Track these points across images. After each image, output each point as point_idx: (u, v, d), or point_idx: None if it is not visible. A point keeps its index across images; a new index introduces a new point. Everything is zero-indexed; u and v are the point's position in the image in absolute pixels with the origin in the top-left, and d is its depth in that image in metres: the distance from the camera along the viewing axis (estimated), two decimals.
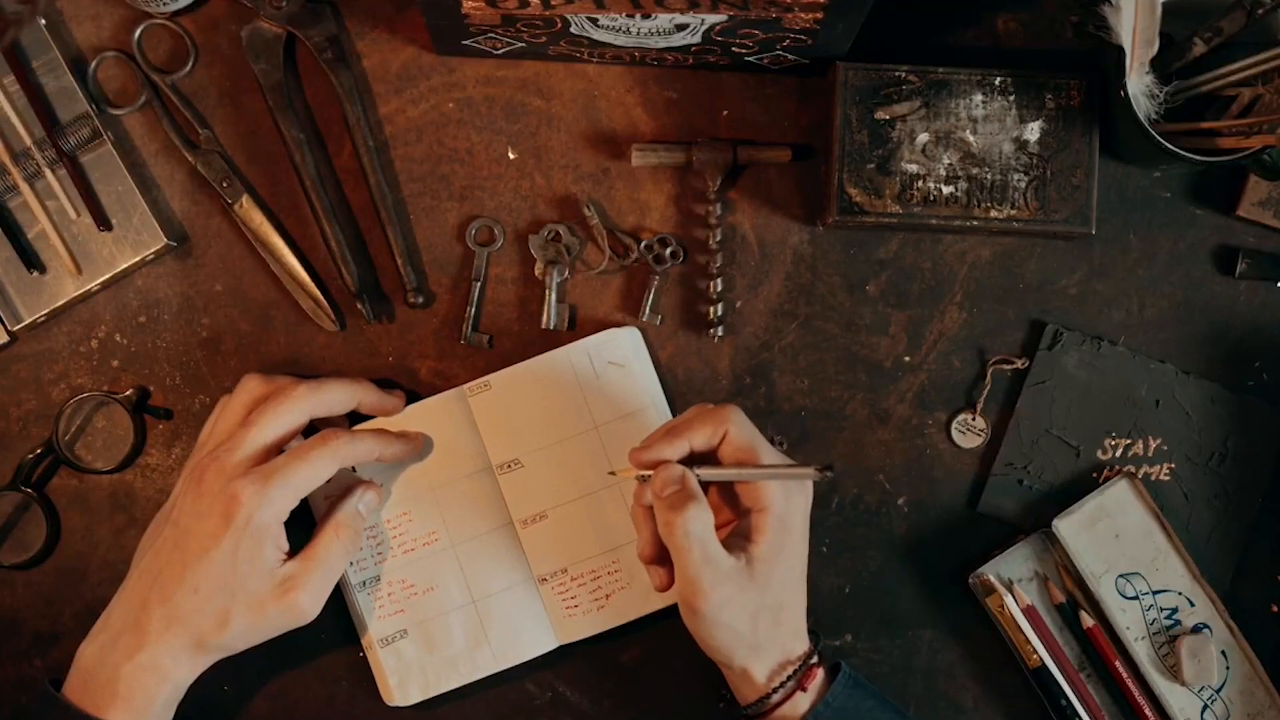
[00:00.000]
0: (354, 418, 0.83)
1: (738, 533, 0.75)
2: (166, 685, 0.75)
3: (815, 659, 0.76)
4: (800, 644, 0.76)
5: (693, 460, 0.75)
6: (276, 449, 0.77)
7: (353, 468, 0.82)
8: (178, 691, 0.76)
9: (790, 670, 0.75)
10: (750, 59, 0.82)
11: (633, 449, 0.75)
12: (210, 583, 0.74)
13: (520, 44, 0.81)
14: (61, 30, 0.84)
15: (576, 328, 0.85)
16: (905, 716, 0.78)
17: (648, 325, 0.85)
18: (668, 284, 0.85)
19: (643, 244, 0.84)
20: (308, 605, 0.76)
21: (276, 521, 0.75)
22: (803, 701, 0.75)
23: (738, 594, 0.72)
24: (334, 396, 0.79)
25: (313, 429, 0.80)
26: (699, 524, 0.72)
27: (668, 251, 0.84)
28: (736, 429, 0.74)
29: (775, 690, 0.75)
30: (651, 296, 0.84)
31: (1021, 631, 0.82)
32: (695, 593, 0.72)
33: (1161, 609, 0.83)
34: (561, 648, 0.83)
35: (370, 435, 0.80)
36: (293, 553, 0.77)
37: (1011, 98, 0.81)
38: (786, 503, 0.74)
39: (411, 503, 0.83)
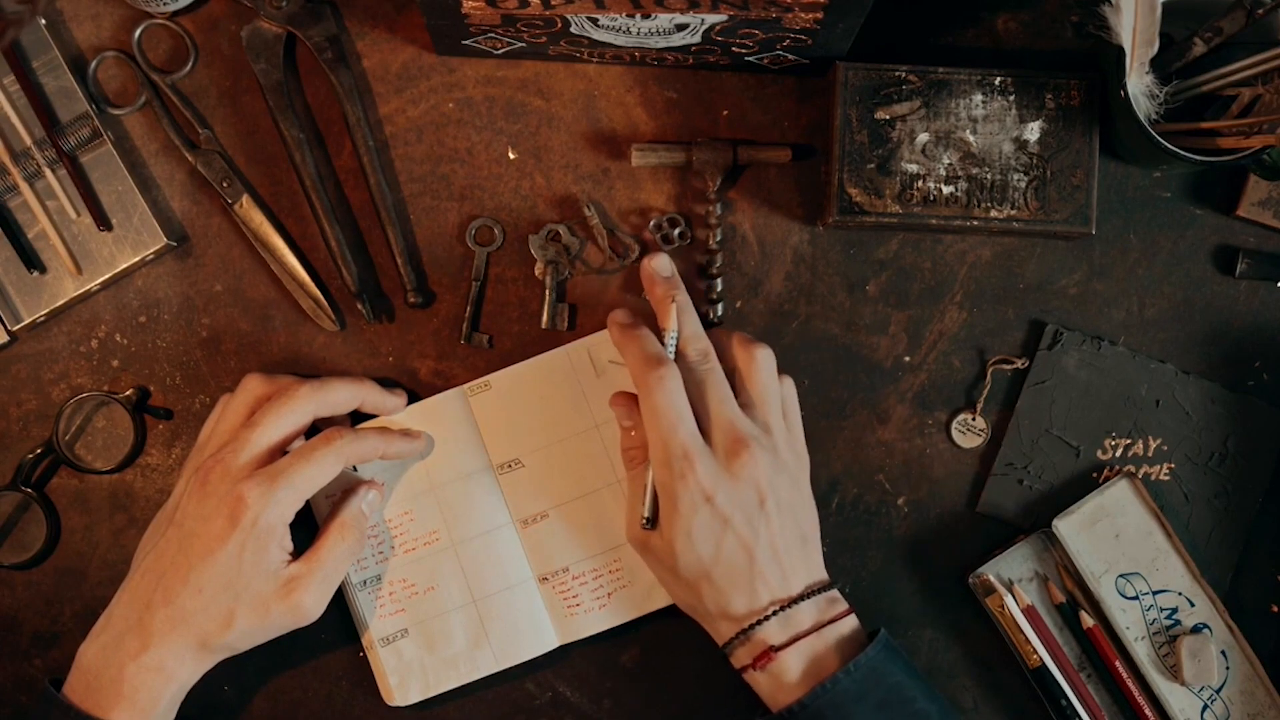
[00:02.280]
0: (355, 417, 0.83)
1: None
2: (171, 685, 0.75)
3: (777, 636, 0.74)
4: (745, 606, 0.74)
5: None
6: (280, 449, 0.77)
7: (354, 467, 0.82)
8: (181, 691, 0.76)
9: (732, 631, 0.75)
10: (750, 59, 0.82)
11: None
12: (215, 584, 0.74)
13: (520, 44, 0.81)
14: (61, 30, 0.84)
15: (576, 328, 0.85)
16: (936, 697, 0.76)
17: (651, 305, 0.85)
18: None
19: (652, 223, 0.84)
20: (311, 605, 0.76)
21: (282, 523, 0.75)
22: (761, 679, 0.75)
23: (651, 541, 0.77)
24: (337, 396, 0.79)
25: (313, 429, 0.80)
26: (634, 468, 0.79)
27: (676, 232, 0.84)
28: (752, 378, 0.77)
29: (724, 647, 0.76)
30: None
31: (1021, 631, 0.82)
32: (626, 526, 0.80)
33: (1161, 609, 0.83)
34: (561, 648, 0.83)
35: (373, 433, 0.80)
36: (296, 552, 0.77)
37: (1011, 98, 0.81)
38: (670, 484, 0.74)
39: (412, 502, 0.83)
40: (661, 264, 0.80)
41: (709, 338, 0.79)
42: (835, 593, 0.77)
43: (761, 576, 0.75)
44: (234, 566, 0.74)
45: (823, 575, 0.77)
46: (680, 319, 0.78)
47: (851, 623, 0.77)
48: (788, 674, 0.74)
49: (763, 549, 0.74)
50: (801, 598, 0.75)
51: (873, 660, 0.74)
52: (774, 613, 0.74)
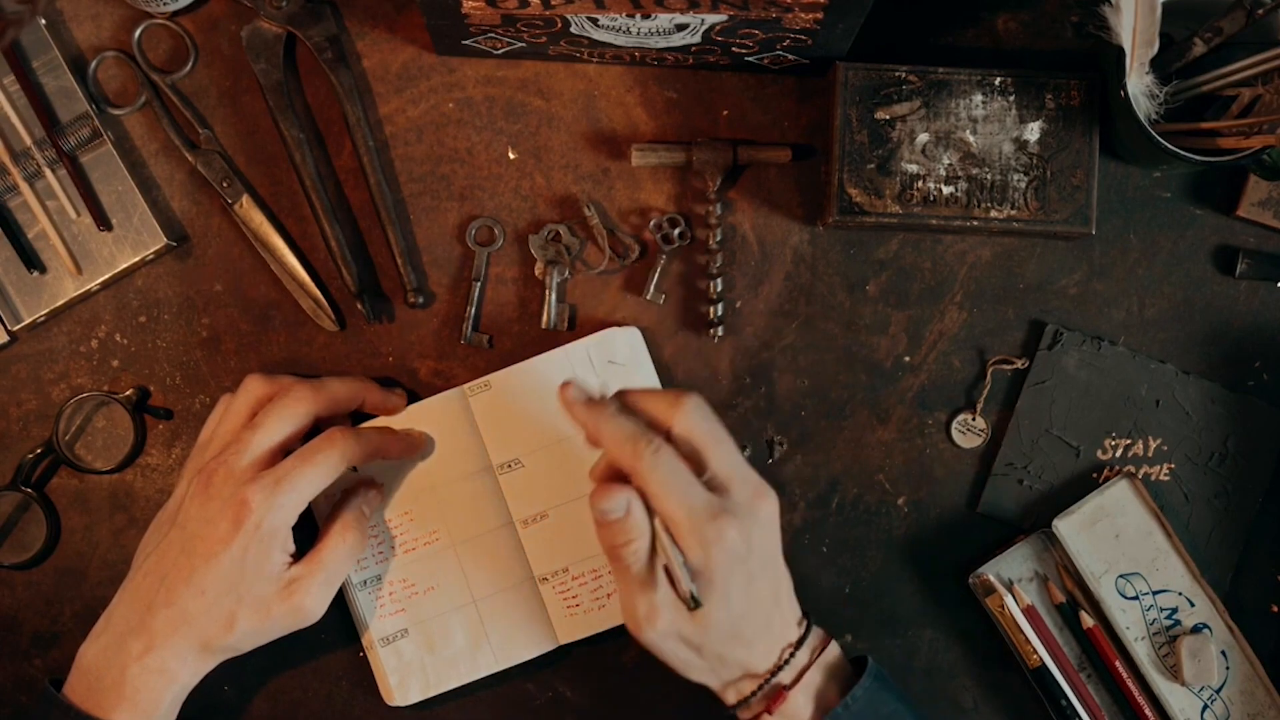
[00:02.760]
0: (356, 417, 0.83)
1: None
2: (173, 686, 0.75)
3: (788, 676, 0.74)
4: (766, 660, 0.74)
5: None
6: (282, 450, 0.77)
7: (354, 467, 0.82)
8: (183, 692, 0.76)
9: (753, 687, 0.74)
10: (750, 59, 0.82)
11: (574, 399, 0.73)
12: (218, 586, 0.74)
13: (520, 44, 0.81)
14: (61, 30, 0.84)
15: (576, 328, 0.85)
16: None
17: (650, 304, 0.84)
18: (668, 282, 0.85)
19: (652, 223, 0.84)
20: (313, 607, 0.76)
21: (285, 526, 0.75)
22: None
23: (678, 625, 0.71)
24: (338, 396, 0.79)
25: (315, 429, 0.80)
26: (637, 560, 0.71)
27: (676, 232, 0.84)
28: (683, 428, 0.71)
29: (739, 705, 0.74)
30: (656, 276, 0.84)
31: (1021, 631, 0.82)
32: (633, 622, 0.72)
33: (1161, 609, 0.83)
34: (561, 648, 0.83)
35: (375, 433, 0.80)
36: (297, 553, 0.77)
37: (1011, 98, 0.81)
38: (704, 552, 0.70)
39: (412, 502, 0.83)
40: (575, 393, 0.73)
41: (629, 398, 0.74)
42: (813, 624, 0.77)
43: (775, 624, 0.74)
44: (237, 569, 0.74)
45: (798, 608, 0.76)
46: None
47: (835, 648, 0.76)
48: (799, 713, 0.74)
49: (777, 595, 0.74)
50: (803, 638, 0.75)
51: (868, 691, 0.74)
52: (788, 659, 0.74)
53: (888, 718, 0.74)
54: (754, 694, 0.74)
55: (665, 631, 0.71)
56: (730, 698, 0.75)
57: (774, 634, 0.74)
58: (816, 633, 0.76)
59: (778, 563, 0.74)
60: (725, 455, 0.72)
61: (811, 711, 0.74)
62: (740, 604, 0.72)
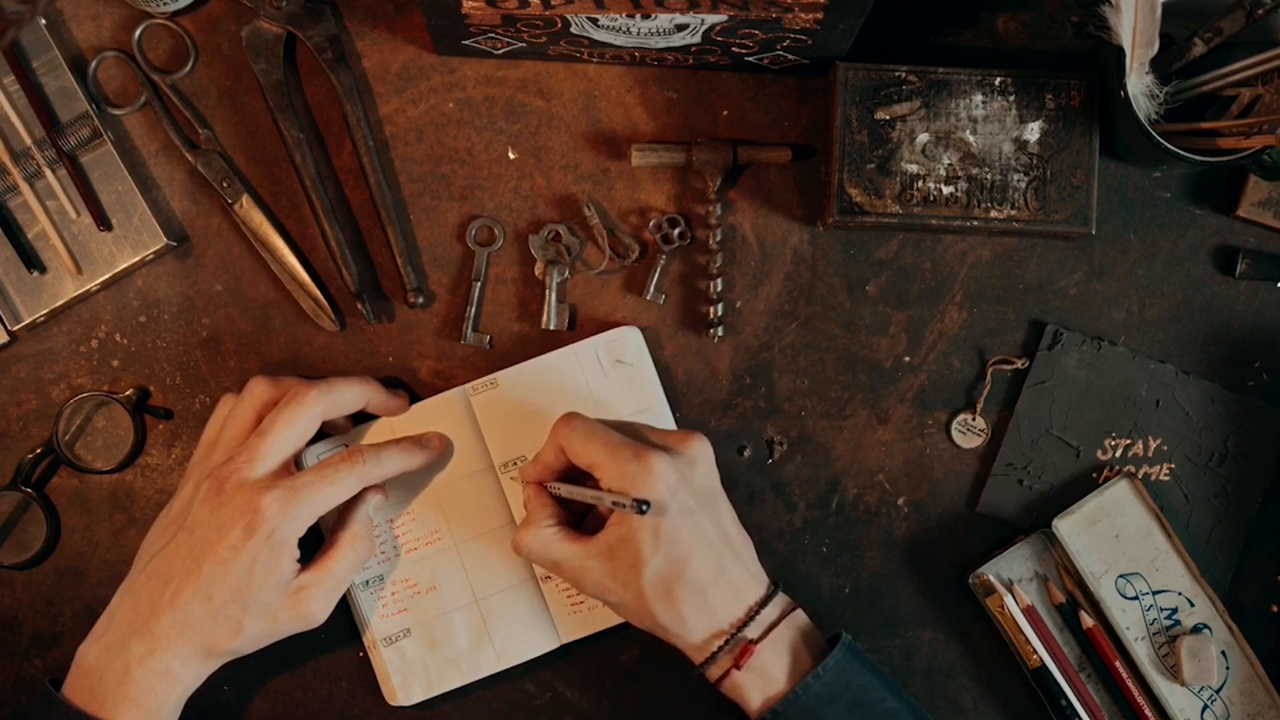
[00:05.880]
0: (359, 415, 0.83)
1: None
2: (177, 689, 0.75)
3: (754, 631, 0.74)
4: (728, 614, 0.74)
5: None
6: (293, 456, 0.77)
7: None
8: (186, 694, 0.76)
9: (718, 644, 0.74)
10: (750, 59, 0.82)
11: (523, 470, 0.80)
12: (225, 592, 0.74)
13: (520, 44, 0.81)
14: (61, 30, 0.84)
15: (576, 328, 0.85)
16: (903, 696, 0.76)
17: (650, 304, 0.84)
18: (668, 282, 0.85)
19: (652, 223, 0.84)
20: (319, 613, 0.77)
21: (296, 537, 0.75)
22: (745, 681, 0.74)
23: (604, 577, 0.74)
24: (344, 398, 0.79)
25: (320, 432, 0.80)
26: (536, 543, 0.76)
27: (676, 232, 0.84)
28: (570, 445, 0.75)
29: (706, 662, 0.74)
30: (656, 276, 0.84)
31: (1021, 631, 0.82)
32: (571, 584, 0.77)
33: (1161, 609, 0.83)
34: (562, 648, 0.83)
35: (395, 452, 0.79)
36: (303, 557, 0.77)
37: (1011, 98, 0.81)
38: (636, 492, 0.72)
39: (415, 502, 0.83)
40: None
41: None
42: (780, 590, 0.78)
43: (731, 572, 0.75)
44: (245, 577, 0.74)
45: (763, 572, 0.78)
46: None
47: (802, 614, 0.77)
48: (769, 670, 0.74)
49: (726, 536, 0.75)
50: (769, 597, 0.76)
51: (840, 662, 0.74)
52: (754, 615, 0.75)
53: (861, 689, 0.74)
54: (720, 649, 0.74)
55: (594, 582, 0.75)
56: (697, 657, 0.75)
57: (731, 583, 0.75)
58: (785, 597, 0.77)
59: (719, 501, 0.76)
60: (618, 446, 0.74)
61: (783, 672, 0.74)
62: (685, 540, 0.73)
